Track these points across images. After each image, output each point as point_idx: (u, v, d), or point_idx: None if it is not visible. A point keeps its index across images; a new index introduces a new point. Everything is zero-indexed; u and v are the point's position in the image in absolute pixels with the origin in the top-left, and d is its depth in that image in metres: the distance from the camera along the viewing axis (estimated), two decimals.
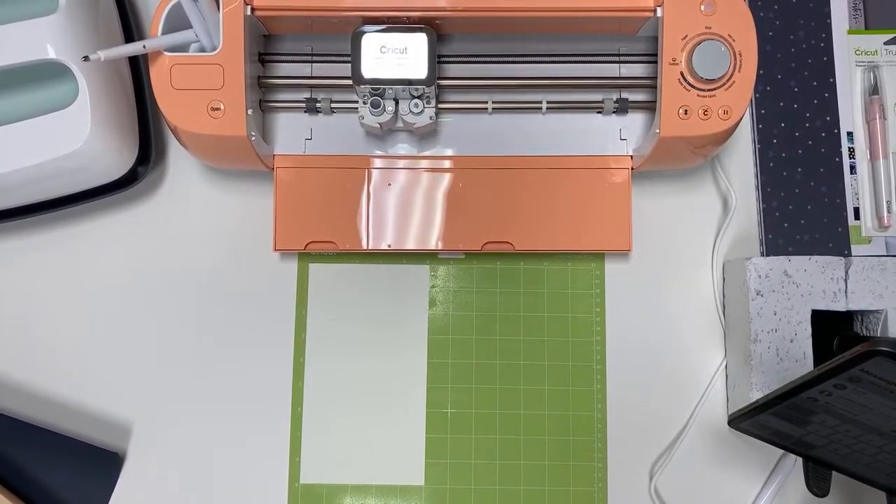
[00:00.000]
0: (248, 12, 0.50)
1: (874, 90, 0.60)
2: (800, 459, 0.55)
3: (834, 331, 0.54)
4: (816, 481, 0.52)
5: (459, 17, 0.51)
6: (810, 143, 0.60)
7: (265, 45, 0.56)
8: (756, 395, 0.53)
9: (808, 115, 0.60)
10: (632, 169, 0.56)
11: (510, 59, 0.56)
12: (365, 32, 0.50)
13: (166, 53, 0.50)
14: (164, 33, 0.50)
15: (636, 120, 0.57)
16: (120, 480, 0.57)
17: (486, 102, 0.56)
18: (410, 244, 0.56)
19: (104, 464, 0.56)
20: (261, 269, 0.59)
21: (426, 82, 0.50)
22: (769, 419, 0.46)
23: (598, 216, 0.56)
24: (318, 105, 0.55)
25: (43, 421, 0.57)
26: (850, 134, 0.60)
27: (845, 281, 0.54)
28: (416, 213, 0.57)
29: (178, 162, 0.61)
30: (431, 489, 0.57)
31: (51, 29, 0.50)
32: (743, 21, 0.50)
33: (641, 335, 0.59)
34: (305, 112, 0.56)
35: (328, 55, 0.56)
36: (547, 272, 0.60)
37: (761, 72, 0.60)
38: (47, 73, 0.53)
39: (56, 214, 0.58)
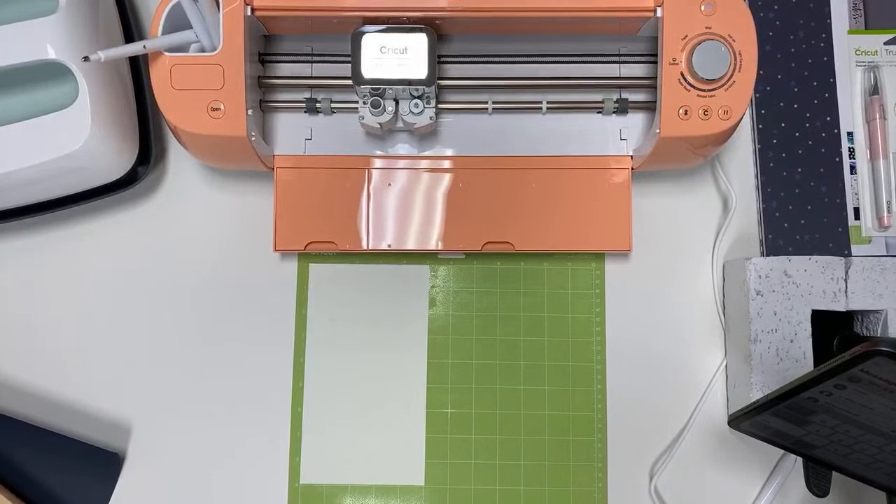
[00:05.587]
0: (248, 12, 0.50)
1: (874, 90, 0.60)
2: (800, 459, 0.55)
3: (834, 331, 0.54)
4: (816, 481, 0.52)
5: (459, 18, 0.51)
6: (810, 143, 0.60)
7: (265, 45, 0.56)
8: (756, 395, 0.53)
9: (808, 115, 0.60)
10: (632, 169, 0.56)
11: (510, 59, 0.56)
12: (365, 32, 0.50)
13: (166, 53, 0.50)
14: (164, 33, 0.50)
15: (636, 120, 0.57)
16: (120, 480, 0.57)
17: (486, 102, 0.56)
18: (410, 244, 0.56)
19: (104, 464, 0.56)
20: (261, 269, 0.59)
21: (426, 82, 0.50)
22: (769, 419, 0.46)
23: (598, 216, 0.56)
24: (318, 105, 0.55)
25: (43, 421, 0.57)
26: (850, 134, 0.60)
27: (845, 281, 0.54)
28: (416, 213, 0.57)
29: (178, 162, 0.61)
30: (431, 489, 0.57)
31: (51, 29, 0.50)
32: (743, 21, 0.50)
33: (641, 335, 0.59)
34: (305, 112, 0.56)
35: (328, 55, 0.56)
36: (547, 272, 0.60)
37: (761, 72, 0.60)
38: (47, 73, 0.53)
39: (56, 214, 0.58)
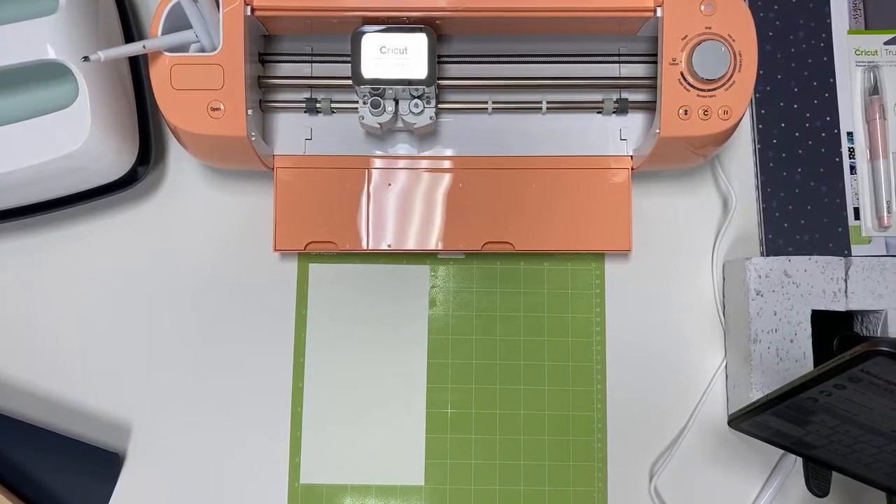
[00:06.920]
0: (248, 12, 0.50)
1: (874, 90, 0.60)
2: (800, 459, 0.55)
3: (834, 331, 0.54)
4: (816, 481, 0.52)
5: (459, 18, 0.51)
6: (810, 143, 0.60)
7: (265, 45, 0.56)
8: (756, 395, 0.53)
9: (808, 115, 0.60)
10: (632, 169, 0.56)
11: (510, 59, 0.56)
12: (365, 32, 0.50)
13: (166, 53, 0.50)
14: (164, 33, 0.50)
15: (636, 120, 0.57)
16: (120, 480, 0.57)
17: (486, 102, 0.56)
18: (410, 244, 0.56)
19: (104, 464, 0.56)
20: (261, 269, 0.59)
21: (426, 82, 0.50)
22: (769, 419, 0.46)
23: (598, 216, 0.56)
24: (318, 105, 0.55)
25: (43, 421, 0.57)
26: (850, 134, 0.60)
27: (845, 281, 0.54)
28: (416, 213, 0.57)
29: (178, 162, 0.61)
30: (431, 489, 0.57)
31: (51, 29, 0.50)
32: (743, 21, 0.50)
33: (641, 335, 0.59)
34: (305, 112, 0.56)
35: (328, 55, 0.56)
36: (547, 272, 0.60)
37: (761, 72, 0.60)
38: (47, 73, 0.53)
39: (56, 214, 0.58)
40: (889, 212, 0.58)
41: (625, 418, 0.58)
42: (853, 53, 0.61)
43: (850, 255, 0.59)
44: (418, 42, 0.50)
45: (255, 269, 0.59)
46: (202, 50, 0.50)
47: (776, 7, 0.61)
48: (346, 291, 0.59)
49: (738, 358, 0.56)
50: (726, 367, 0.58)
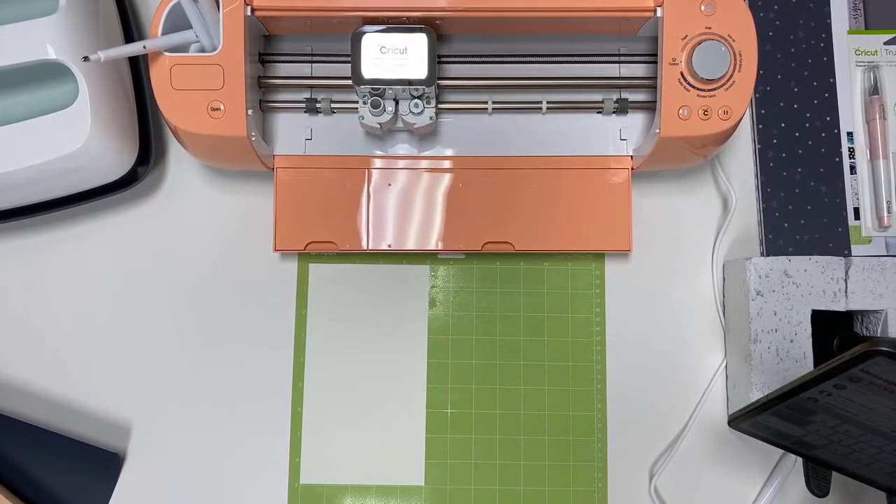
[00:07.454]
0: (248, 12, 0.50)
1: (874, 90, 0.60)
2: (800, 459, 0.55)
3: (834, 331, 0.54)
4: (816, 481, 0.52)
5: (459, 18, 0.51)
6: (810, 143, 0.60)
7: (265, 45, 0.56)
8: (756, 395, 0.53)
9: (808, 115, 0.60)
10: (632, 169, 0.56)
11: (510, 59, 0.56)
12: (365, 32, 0.50)
13: (166, 54, 0.50)
14: (164, 33, 0.50)
15: (636, 120, 0.57)
16: (120, 480, 0.57)
17: (486, 102, 0.56)
18: (410, 244, 0.56)
19: (104, 464, 0.56)
20: (261, 269, 0.59)
21: (426, 82, 0.50)
22: (769, 419, 0.46)
23: (598, 216, 0.56)
24: (318, 105, 0.55)
25: (43, 421, 0.57)
26: (850, 134, 0.60)
27: (845, 281, 0.54)
28: (416, 214, 0.57)
29: (178, 162, 0.61)
30: (431, 489, 0.57)
31: (51, 29, 0.50)
32: (743, 21, 0.50)
33: (641, 335, 0.59)
34: (305, 112, 0.56)
35: (328, 55, 0.56)
36: (547, 272, 0.60)
37: (761, 72, 0.60)
38: (47, 73, 0.53)
39: (56, 214, 0.58)
40: (889, 212, 0.58)
41: (625, 418, 0.58)
42: (853, 53, 0.61)
43: (850, 255, 0.59)
44: (418, 42, 0.50)
45: (255, 269, 0.59)
46: (202, 50, 0.50)
47: (776, 7, 0.61)
48: (346, 291, 0.59)
49: (738, 358, 0.56)
50: (726, 367, 0.58)
